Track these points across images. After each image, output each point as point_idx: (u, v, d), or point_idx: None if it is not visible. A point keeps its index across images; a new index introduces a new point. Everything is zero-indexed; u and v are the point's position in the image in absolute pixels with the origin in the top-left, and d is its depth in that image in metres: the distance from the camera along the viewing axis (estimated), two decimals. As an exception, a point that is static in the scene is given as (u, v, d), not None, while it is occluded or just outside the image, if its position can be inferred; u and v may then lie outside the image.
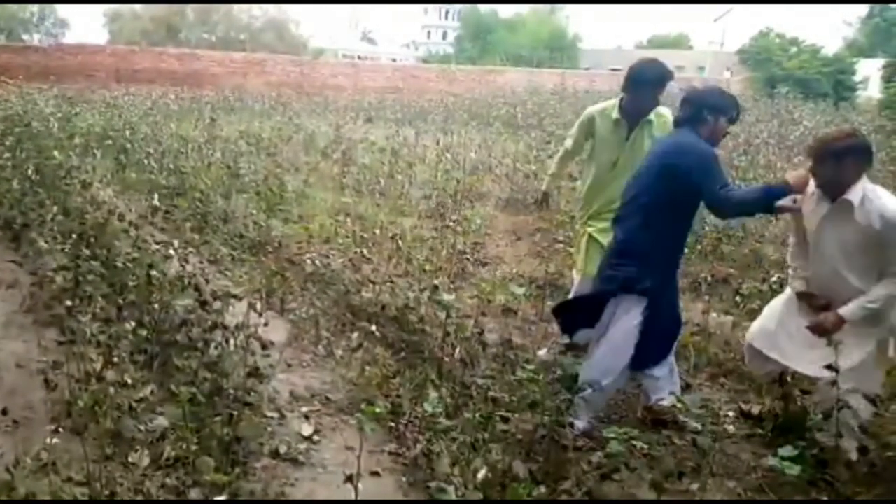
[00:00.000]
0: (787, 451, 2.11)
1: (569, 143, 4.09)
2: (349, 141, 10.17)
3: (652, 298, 3.05)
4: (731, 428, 3.22)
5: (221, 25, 40.94)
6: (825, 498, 2.43)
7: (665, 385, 3.25)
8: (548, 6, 53.76)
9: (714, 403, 3.44)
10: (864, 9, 41.69)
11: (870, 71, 29.63)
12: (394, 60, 44.30)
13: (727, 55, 39.10)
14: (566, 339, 3.93)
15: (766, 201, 2.88)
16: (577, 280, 4.04)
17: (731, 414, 3.37)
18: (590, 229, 3.85)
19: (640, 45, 59.94)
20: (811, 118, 13.85)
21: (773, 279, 4.73)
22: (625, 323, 3.06)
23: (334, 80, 24.03)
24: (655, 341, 3.14)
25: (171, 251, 3.97)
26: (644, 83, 3.62)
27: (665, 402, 3.21)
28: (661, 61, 3.78)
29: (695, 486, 2.52)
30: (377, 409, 2.21)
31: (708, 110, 3.06)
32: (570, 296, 4.14)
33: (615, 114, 3.75)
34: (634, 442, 2.54)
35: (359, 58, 40.19)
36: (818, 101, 20.37)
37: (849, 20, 56.46)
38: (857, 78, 30.65)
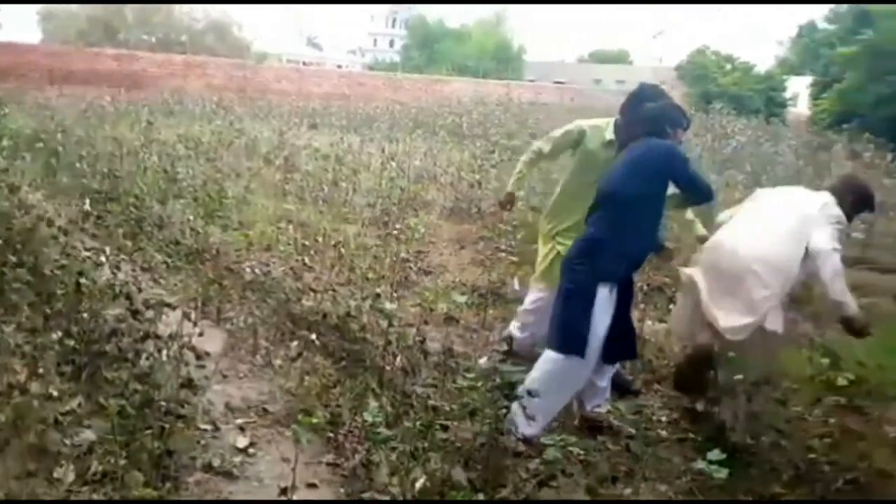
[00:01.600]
0: (714, 454, 2.18)
1: (545, 146, 3.96)
2: (292, 147, 10.05)
3: (621, 292, 3.12)
4: (664, 433, 3.31)
5: (161, 27, 39.92)
6: (750, 499, 2.52)
7: (603, 393, 3.32)
8: (494, 18, 54.45)
9: (648, 409, 3.54)
10: (794, 29, 43.71)
11: (799, 88, 30.98)
12: (339, 67, 44.05)
13: (666, 70, 40.35)
14: (504, 347, 3.98)
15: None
16: (538, 292, 3.97)
17: (663, 419, 3.46)
18: (560, 247, 3.77)
19: (583, 59, 61.24)
20: (743, 133, 14.38)
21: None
22: (600, 318, 3.06)
23: (278, 85, 23.71)
24: (620, 342, 3.19)
25: (103, 258, 3.83)
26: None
27: (601, 409, 3.28)
28: (665, 93, 3.70)
29: (628, 491, 2.58)
30: (314, 420, 2.19)
31: (669, 125, 3.23)
32: (527, 306, 4.06)
33: (609, 134, 3.71)
34: (571, 448, 2.59)
35: (304, 63, 39.79)
36: (750, 117, 21.16)
37: (780, 39, 59.10)
38: (787, 95, 31.96)
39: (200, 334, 3.15)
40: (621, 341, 3.20)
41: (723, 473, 2.14)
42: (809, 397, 3.57)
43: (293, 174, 8.45)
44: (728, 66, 32.52)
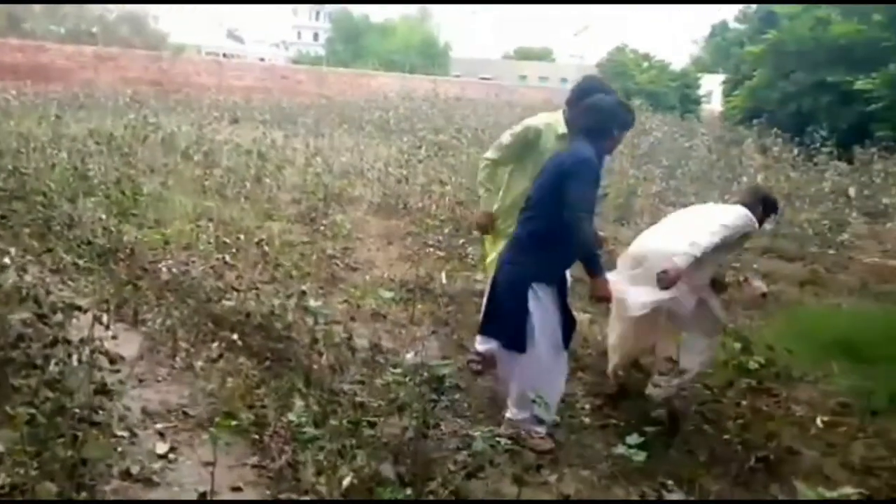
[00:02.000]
0: (633, 438, 2.25)
1: (498, 155, 3.91)
2: (212, 142, 9.74)
3: (559, 289, 3.21)
4: (587, 420, 3.40)
5: (71, 17, 37.89)
6: (670, 482, 2.62)
7: None
8: (419, 13, 54.45)
9: (572, 397, 3.63)
10: (707, 28, 45.64)
11: (712, 86, 32.28)
12: (262, 60, 42.93)
13: (588, 68, 41.30)
14: (480, 350, 3.99)
15: (588, 256, 3.15)
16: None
17: (587, 406, 3.55)
18: None
19: (508, 55, 62.02)
20: (660, 129, 14.89)
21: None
22: (542, 316, 3.14)
23: (197, 78, 22.93)
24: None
25: (7, 260, 3.60)
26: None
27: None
28: (609, 87, 3.72)
29: (553, 478, 2.63)
30: (233, 422, 2.13)
31: (617, 127, 3.27)
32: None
33: (561, 128, 3.72)
34: (499, 439, 2.62)
35: (224, 55, 38.62)
36: (666, 113, 21.94)
37: (695, 38, 61.48)
38: (701, 92, 33.25)
39: (114, 337, 3.03)
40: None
41: (641, 457, 2.21)
42: (723, 380, 3.74)
43: (213, 170, 8.20)
44: (645, 64, 33.51)
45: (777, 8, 21.44)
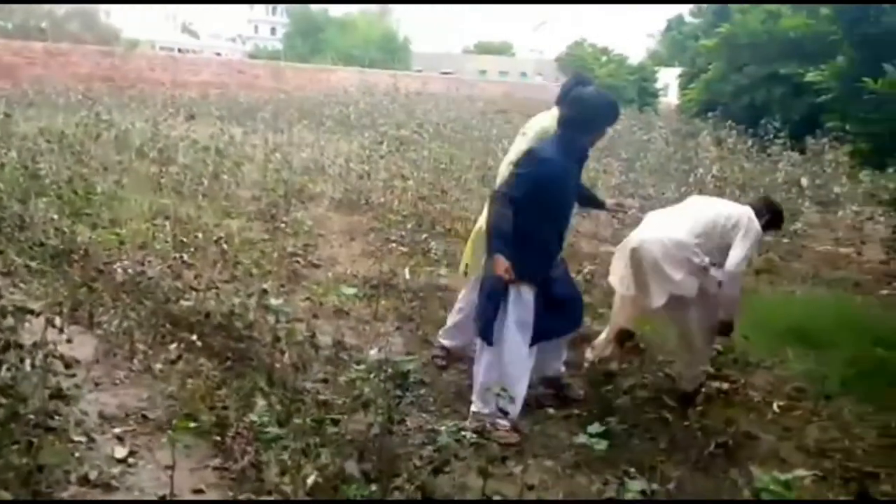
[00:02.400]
0: (594, 428, 2.28)
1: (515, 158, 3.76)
2: (168, 139, 9.53)
3: (538, 285, 3.22)
4: (551, 410, 3.44)
5: (19, 12, 36.70)
6: (632, 469, 2.66)
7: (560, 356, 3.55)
8: (378, 8, 54.15)
9: (537, 389, 3.66)
10: (663, 22, 46.35)
11: (669, 79, 32.82)
12: (218, 55, 42.16)
13: (548, 62, 41.64)
14: (443, 344, 3.97)
15: (496, 242, 3.13)
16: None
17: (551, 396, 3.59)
18: None
19: (468, 49, 62.14)
20: (619, 122, 15.07)
21: (586, 270, 5.13)
22: (516, 313, 3.17)
23: (152, 74, 22.40)
24: (553, 320, 3.30)
25: (-46, 264, 3.50)
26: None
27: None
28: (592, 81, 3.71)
29: (518, 469, 2.65)
30: (193, 424, 2.09)
31: (600, 120, 3.29)
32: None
33: None
34: (464, 433, 2.63)
35: (179, 50, 37.86)
36: (625, 107, 22.22)
37: (651, 32, 62.32)
38: (658, 85, 33.78)
39: (69, 341, 2.94)
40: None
41: (603, 445, 2.24)
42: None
43: (169, 167, 8.03)
44: (604, 58, 33.95)
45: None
